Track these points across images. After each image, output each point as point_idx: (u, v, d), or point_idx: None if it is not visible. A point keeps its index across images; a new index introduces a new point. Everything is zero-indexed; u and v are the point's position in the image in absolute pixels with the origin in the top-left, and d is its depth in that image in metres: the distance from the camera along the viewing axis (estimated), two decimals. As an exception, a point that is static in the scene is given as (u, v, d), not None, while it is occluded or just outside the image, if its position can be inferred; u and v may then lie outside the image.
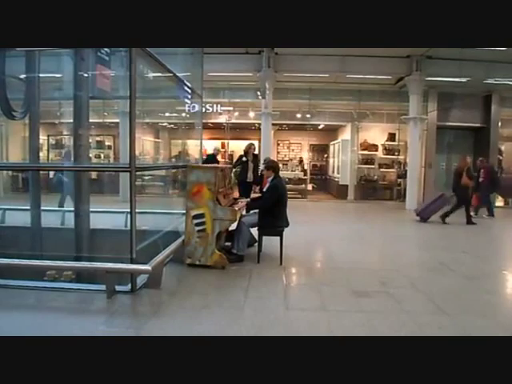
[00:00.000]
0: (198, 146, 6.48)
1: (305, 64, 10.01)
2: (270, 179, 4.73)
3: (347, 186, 12.53)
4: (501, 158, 12.47)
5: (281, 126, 14.00)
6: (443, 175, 12.28)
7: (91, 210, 4.42)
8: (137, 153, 3.56)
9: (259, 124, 11.16)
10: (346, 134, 13.14)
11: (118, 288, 3.36)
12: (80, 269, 3.80)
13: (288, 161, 15.23)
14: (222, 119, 12.39)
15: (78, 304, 3.18)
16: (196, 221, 4.19)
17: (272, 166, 4.78)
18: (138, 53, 3.38)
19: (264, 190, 4.92)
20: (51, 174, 8.07)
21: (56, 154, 12.57)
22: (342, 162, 12.96)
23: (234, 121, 12.51)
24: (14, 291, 3.33)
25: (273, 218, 4.51)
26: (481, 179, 9.31)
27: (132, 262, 3.36)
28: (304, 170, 13.79)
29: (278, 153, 15.85)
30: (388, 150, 12.58)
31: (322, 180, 15.41)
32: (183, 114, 7.60)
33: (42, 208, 4.77)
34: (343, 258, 4.91)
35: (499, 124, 11.63)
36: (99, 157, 12.59)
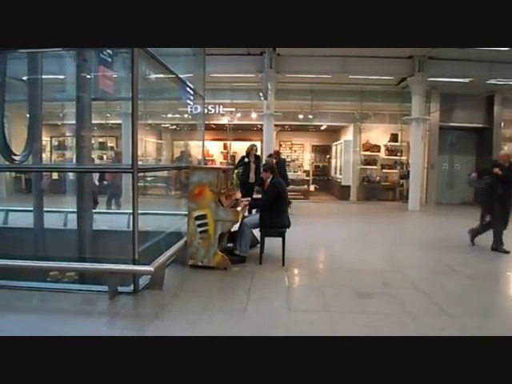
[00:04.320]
0: (201, 147, 6.49)
1: (307, 65, 9.99)
2: (268, 180, 4.75)
3: (349, 186, 12.49)
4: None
5: (283, 126, 13.98)
6: (446, 176, 12.24)
7: (94, 210, 4.42)
8: (139, 154, 3.57)
9: (261, 125, 11.15)
10: (348, 135, 13.11)
11: (120, 289, 3.37)
12: (83, 270, 3.81)
13: (290, 162, 15.19)
14: (225, 120, 12.39)
15: (81, 305, 3.19)
16: (198, 222, 4.19)
17: (269, 168, 4.84)
18: (140, 54, 3.38)
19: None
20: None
21: (59, 155, 12.62)
22: (345, 163, 12.92)
23: (236, 122, 12.50)
24: (17, 292, 3.35)
25: (274, 216, 4.51)
26: None
27: (134, 262, 3.36)
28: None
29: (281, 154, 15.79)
30: (390, 151, 12.53)
31: (324, 181, 15.37)
32: (185, 115, 7.61)
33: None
34: (346, 259, 4.89)
35: (502, 124, 11.60)
36: (102, 158, 12.61)
